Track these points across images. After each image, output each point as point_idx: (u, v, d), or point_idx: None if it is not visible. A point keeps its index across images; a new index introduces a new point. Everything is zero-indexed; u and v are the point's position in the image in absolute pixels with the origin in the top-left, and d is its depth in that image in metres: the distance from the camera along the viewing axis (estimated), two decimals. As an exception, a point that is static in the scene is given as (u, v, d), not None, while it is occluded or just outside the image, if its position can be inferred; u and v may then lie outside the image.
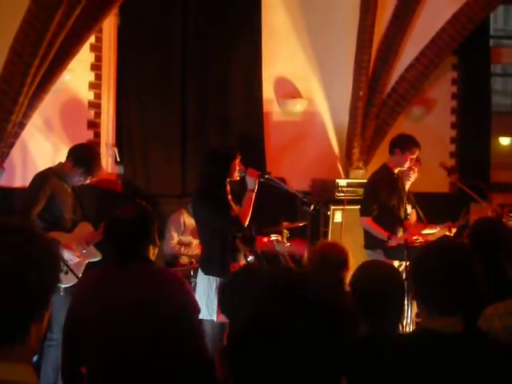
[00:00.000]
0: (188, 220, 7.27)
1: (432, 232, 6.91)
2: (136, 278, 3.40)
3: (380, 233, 6.53)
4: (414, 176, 7.06)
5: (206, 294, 5.30)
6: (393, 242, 6.38)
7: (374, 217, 6.63)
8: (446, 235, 6.77)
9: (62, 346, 3.56)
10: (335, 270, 4.02)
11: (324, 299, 1.53)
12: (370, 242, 6.71)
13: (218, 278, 5.21)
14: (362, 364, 2.80)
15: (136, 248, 3.44)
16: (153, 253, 3.51)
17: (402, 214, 6.86)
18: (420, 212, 7.28)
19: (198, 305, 3.50)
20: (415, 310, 6.46)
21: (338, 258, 4.13)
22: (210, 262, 5.43)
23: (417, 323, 6.38)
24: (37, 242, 1.63)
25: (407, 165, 6.76)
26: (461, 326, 2.46)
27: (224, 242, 5.42)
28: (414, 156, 6.74)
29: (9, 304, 1.56)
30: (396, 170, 6.78)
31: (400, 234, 6.66)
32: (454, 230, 6.89)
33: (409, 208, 7.15)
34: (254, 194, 5.50)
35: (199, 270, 5.56)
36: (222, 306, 3.30)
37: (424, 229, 6.94)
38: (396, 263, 6.30)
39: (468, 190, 7.19)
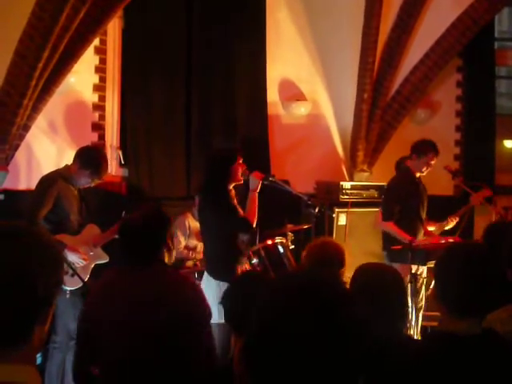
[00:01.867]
0: (193, 223, 7.26)
1: (433, 229, 6.94)
2: (150, 280, 3.40)
3: (402, 236, 6.50)
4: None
5: (216, 298, 5.27)
6: (398, 245, 6.37)
7: (396, 220, 6.63)
8: (452, 238, 6.81)
9: (75, 348, 3.58)
10: (332, 268, 4.01)
11: (340, 301, 1.54)
12: (384, 243, 6.77)
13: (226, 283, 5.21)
14: (378, 366, 2.80)
15: (151, 252, 3.45)
16: (168, 256, 3.52)
17: (423, 217, 6.86)
18: None
19: (209, 309, 3.50)
20: (421, 312, 6.49)
21: (335, 255, 4.12)
22: (218, 267, 5.41)
23: (429, 327, 6.40)
24: (40, 245, 1.64)
25: (425, 170, 6.72)
26: (479, 328, 2.48)
27: (231, 246, 5.43)
28: (432, 161, 6.70)
29: (13, 306, 1.57)
30: (417, 175, 6.77)
31: (420, 235, 6.67)
32: (455, 220, 6.90)
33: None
34: (256, 194, 5.50)
35: (206, 274, 5.54)
36: (226, 312, 3.28)
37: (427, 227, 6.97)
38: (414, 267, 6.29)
39: (472, 192, 7.18)
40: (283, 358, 1.47)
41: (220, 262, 5.41)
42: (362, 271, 3.35)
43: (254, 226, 5.46)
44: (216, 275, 5.39)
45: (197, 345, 3.35)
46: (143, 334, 3.29)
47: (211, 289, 5.33)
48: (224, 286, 5.22)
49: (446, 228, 7.03)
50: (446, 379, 2.43)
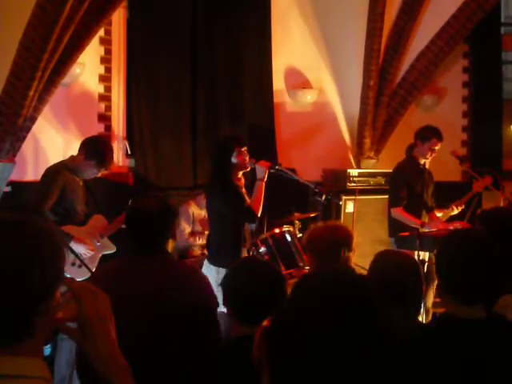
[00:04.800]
0: (196, 211, 7.31)
1: (440, 215, 6.95)
2: (157, 269, 3.41)
3: (413, 221, 6.54)
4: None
5: (215, 285, 5.28)
6: (407, 232, 6.37)
7: (404, 206, 6.64)
8: (459, 223, 6.81)
9: None
10: (341, 251, 4.00)
11: (366, 301, 1.58)
12: (390, 229, 6.79)
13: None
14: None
15: (158, 240, 3.45)
16: (171, 245, 3.54)
17: (429, 203, 6.87)
18: None
19: (216, 299, 3.50)
20: (431, 299, 6.48)
21: (343, 238, 4.10)
22: (220, 254, 5.45)
23: (437, 313, 6.39)
24: (39, 236, 1.62)
25: (429, 156, 6.73)
26: (483, 313, 2.49)
27: (237, 234, 5.45)
28: (436, 147, 6.70)
29: (13, 300, 1.55)
30: (422, 161, 6.77)
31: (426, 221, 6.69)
32: (460, 208, 6.92)
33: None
34: (263, 183, 5.51)
35: (206, 261, 5.58)
36: (227, 295, 3.26)
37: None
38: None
39: (480, 178, 7.17)
40: (303, 356, 1.50)
41: (222, 249, 5.44)
42: (381, 260, 3.34)
43: (259, 215, 5.48)
44: (216, 262, 5.42)
45: (204, 333, 3.35)
46: (148, 324, 3.28)
47: (211, 275, 5.35)
48: (223, 272, 5.25)
49: (453, 213, 7.03)
50: (448, 362, 2.43)
